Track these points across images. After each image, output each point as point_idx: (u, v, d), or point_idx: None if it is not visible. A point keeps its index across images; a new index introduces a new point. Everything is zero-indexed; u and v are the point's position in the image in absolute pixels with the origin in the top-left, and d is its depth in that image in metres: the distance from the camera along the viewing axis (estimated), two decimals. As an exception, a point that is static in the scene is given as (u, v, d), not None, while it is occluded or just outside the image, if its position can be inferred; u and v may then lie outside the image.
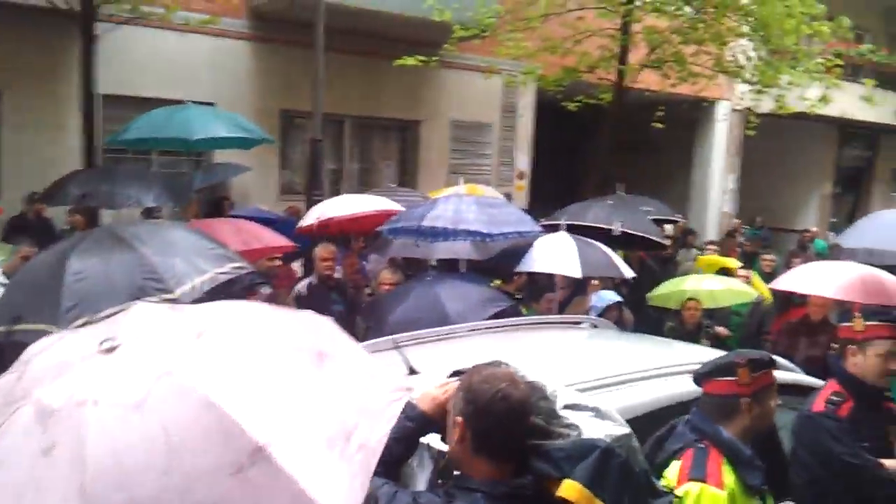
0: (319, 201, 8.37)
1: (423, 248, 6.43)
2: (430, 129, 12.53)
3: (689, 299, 7.04)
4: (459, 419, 2.11)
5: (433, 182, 11.81)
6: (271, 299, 4.88)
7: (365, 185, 11.83)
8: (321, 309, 5.36)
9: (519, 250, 6.26)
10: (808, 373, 4.34)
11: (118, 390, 1.47)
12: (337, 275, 6.73)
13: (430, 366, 3.48)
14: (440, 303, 4.99)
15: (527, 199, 13.51)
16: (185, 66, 9.90)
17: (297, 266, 8.06)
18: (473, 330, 4.24)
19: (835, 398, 3.32)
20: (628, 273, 6.37)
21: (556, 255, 6.08)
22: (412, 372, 3.35)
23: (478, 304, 5.07)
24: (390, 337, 3.81)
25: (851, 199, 21.02)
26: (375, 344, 3.93)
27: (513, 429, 2.12)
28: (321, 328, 1.82)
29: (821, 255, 12.49)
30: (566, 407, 2.25)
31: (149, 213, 8.10)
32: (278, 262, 6.91)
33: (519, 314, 5.75)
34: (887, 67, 18.12)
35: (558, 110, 11.37)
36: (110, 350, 1.57)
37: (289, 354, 1.64)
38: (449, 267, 6.67)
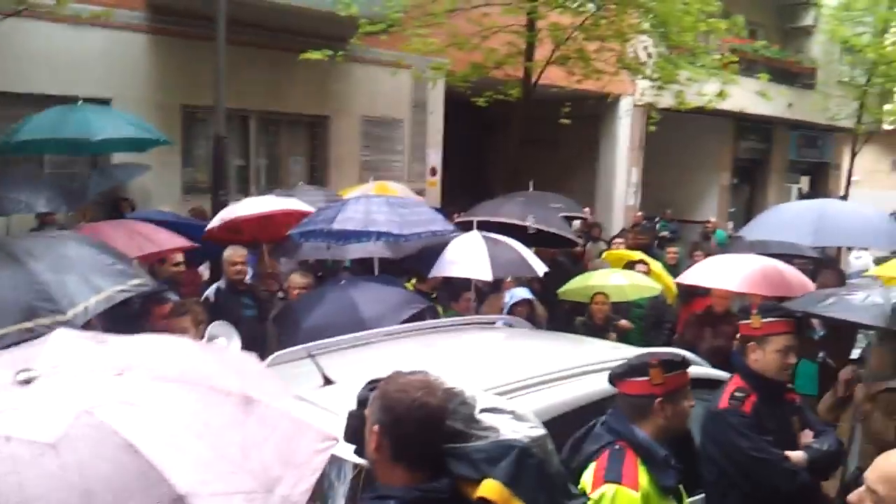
0: (225, 200, 8.14)
1: (335, 250, 6.33)
2: (339, 124, 12.33)
3: (597, 294, 7.17)
4: (376, 428, 2.10)
5: (345, 179, 11.64)
6: (179, 309, 4.66)
7: (273, 181, 11.56)
8: (231, 315, 5.23)
9: (432, 251, 6.25)
10: (713, 363, 4.48)
11: (33, 427, 1.38)
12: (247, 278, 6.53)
13: (346, 374, 3.42)
14: (355, 307, 4.89)
15: (439, 195, 13.51)
16: (79, 60, 9.38)
17: (203, 269, 7.79)
18: (390, 335, 4.19)
19: (738, 394, 3.40)
20: (541, 270, 6.44)
21: (467, 257, 6.08)
22: (327, 382, 3.28)
23: (394, 308, 5.00)
24: (303, 346, 3.72)
25: (748, 190, 21.93)
26: (289, 353, 3.84)
27: (430, 436, 2.13)
28: (248, 369, 1.79)
29: (721, 246, 12.99)
30: (484, 410, 2.27)
31: (43, 219, 7.65)
32: (182, 268, 6.64)
33: (436, 315, 5.73)
34: (780, 62, 19.02)
35: (467, 106, 11.40)
36: (27, 382, 1.49)
37: (215, 399, 1.58)
38: (363, 269, 6.58)
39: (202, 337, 4.38)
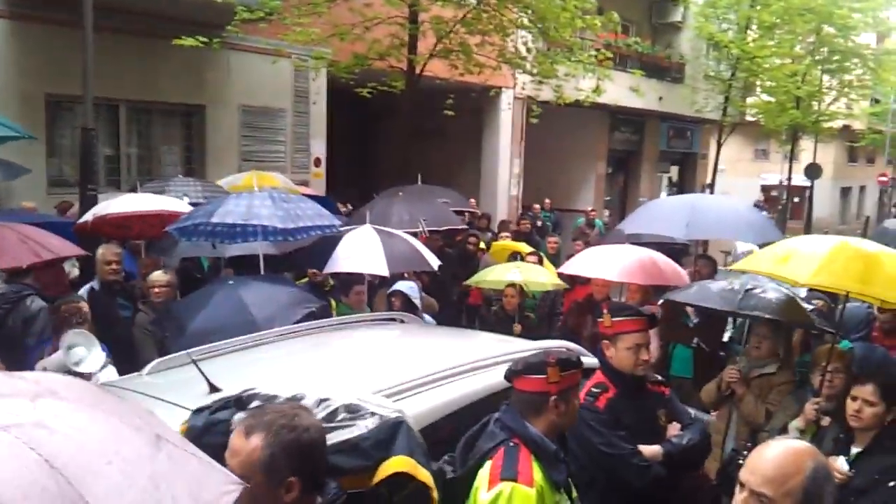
0: (95, 195, 7.73)
1: (220, 249, 6.11)
2: (217, 114, 11.91)
3: (509, 286, 7.26)
4: (294, 479, 2.04)
5: (223, 169, 11.25)
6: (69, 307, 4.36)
7: (145, 172, 11.07)
8: (106, 316, 4.97)
9: (325, 245, 6.13)
10: (594, 349, 4.60)
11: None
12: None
13: (234, 380, 3.30)
14: (245, 308, 4.71)
15: (324, 186, 13.30)
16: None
17: (70, 268, 7.33)
18: (279, 335, 4.07)
19: (595, 390, 3.47)
20: (435, 264, 6.45)
21: (362, 252, 6.01)
22: (213, 389, 3.14)
23: (286, 307, 4.85)
24: (186, 351, 3.55)
25: (622, 179, 22.84)
26: (171, 359, 3.66)
27: (325, 453, 2.16)
28: (148, 412, 1.77)
29: (598, 235, 13.46)
30: (346, 409, 2.43)
31: None
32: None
33: (329, 312, 5.63)
34: (650, 57, 19.84)
35: (352, 96, 11.28)
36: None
37: (126, 432, 1.56)
38: (248, 267, 6.37)
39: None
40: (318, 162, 13.32)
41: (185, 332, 4.58)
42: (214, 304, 4.84)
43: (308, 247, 6.35)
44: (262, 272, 5.91)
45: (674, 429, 3.45)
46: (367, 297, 6.44)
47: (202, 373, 3.14)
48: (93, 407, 1.60)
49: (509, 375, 2.89)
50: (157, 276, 5.81)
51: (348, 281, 6.37)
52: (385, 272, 6.03)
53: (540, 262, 8.40)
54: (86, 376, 3.89)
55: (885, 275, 3.86)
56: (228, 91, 11.89)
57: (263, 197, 5.68)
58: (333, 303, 6.36)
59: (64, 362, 3.91)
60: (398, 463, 2.23)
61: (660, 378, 3.70)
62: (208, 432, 2.43)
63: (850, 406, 3.51)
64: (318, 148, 13.36)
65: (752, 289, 4.44)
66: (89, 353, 4.04)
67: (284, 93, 12.68)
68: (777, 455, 2.01)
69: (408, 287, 6.42)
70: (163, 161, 11.57)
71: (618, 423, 3.40)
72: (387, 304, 6.34)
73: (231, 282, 5.28)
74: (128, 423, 1.59)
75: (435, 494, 2.39)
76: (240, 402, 2.54)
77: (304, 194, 7.32)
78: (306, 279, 6.93)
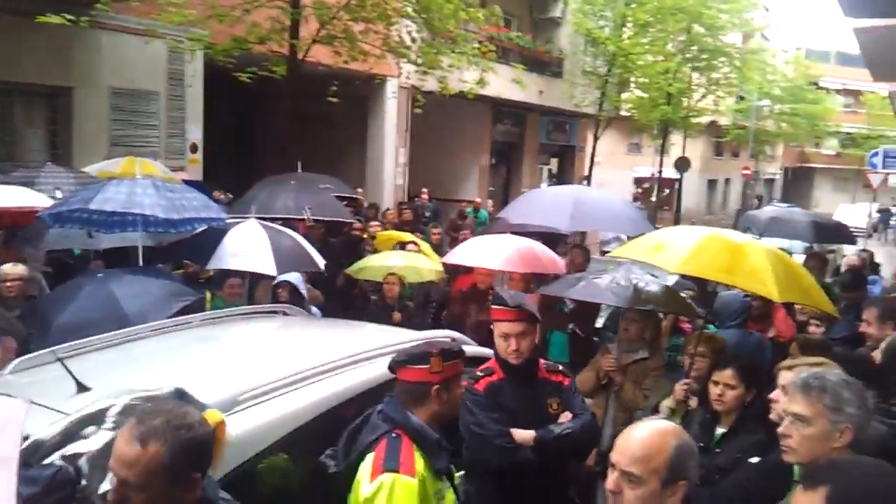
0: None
1: (95, 239, 5.79)
2: (84, 96, 11.24)
3: (390, 274, 7.24)
4: (197, 475, 2.06)
5: (92, 155, 10.65)
6: None
7: (8, 157, 10.34)
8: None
9: (207, 239, 5.92)
10: (478, 338, 4.67)
11: None
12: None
13: (104, 379, 3.15)
14: (116, 302, 4.51)
15: (201, 172, 12.83)
16: None
17: None
18: (154, 330, 3.91)
19: (479, 373, 3.57)
20: (322, 263, 6.36)
21: (249, 250, 5.85)
22: (82, 389, 2.99)
23: (160, 301, 4.68)
24: (51, 349, 3.36)
25: (505, 170, 23.26)
26: (35, 357, 3.46)
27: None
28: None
29: (482, 224, 13.67)
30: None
31: None
32: None
33: (204, 306, 5.45)
34: (531, 52, 20.26)
35: (230, 80, 10.93)
36: None
37: None
38: (122, 259, 6.08)
39: None
40: (194, 147, 12.83)
41: (50, 328, 4.32)
42: (83, 298, 4.60)
43: (189, 239, 6.13)
44: (140, 264, 5.65)
45: (564, 418, 3.50)
46: (248, 288, 6.27)
47: (69, 371, 2.98)
48: None
49: (393, 366, 2.92)
50: (8, 268, 5.43)
51: (223, 273, 6.19)
52: (273, 272, 5.90)
53: (419, 251, 8.45)
54: None
55: (748, 266, 4.10)
56: (98, 72, 11.26)
57: (146, 185, 5.43)
58: (209, 295, 6.17)
59: None
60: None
61: (560, 368, 3.77)
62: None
63: (713, 390, 3.73)
64: (195, 133, 12.86)
65: (637, 283, 4.62)
66: None
67: (158, 75, 12.12)
68: (643, 436, 2.13)
69: (295, 278, 6.32)
70: (27, 146, 10.85)
71: (496, 406, 3.48)
72: (272, 295, 6.21)
73: (101, 275, 5.02)
74: None
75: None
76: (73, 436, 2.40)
77: (183, 180, 7.03)
78: (180, 270, 6.69)
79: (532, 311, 3.55)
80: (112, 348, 3.66)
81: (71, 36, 9.85)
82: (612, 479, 2.13)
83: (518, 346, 3.49)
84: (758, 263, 4.06)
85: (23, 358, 3.51)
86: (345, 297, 8.28)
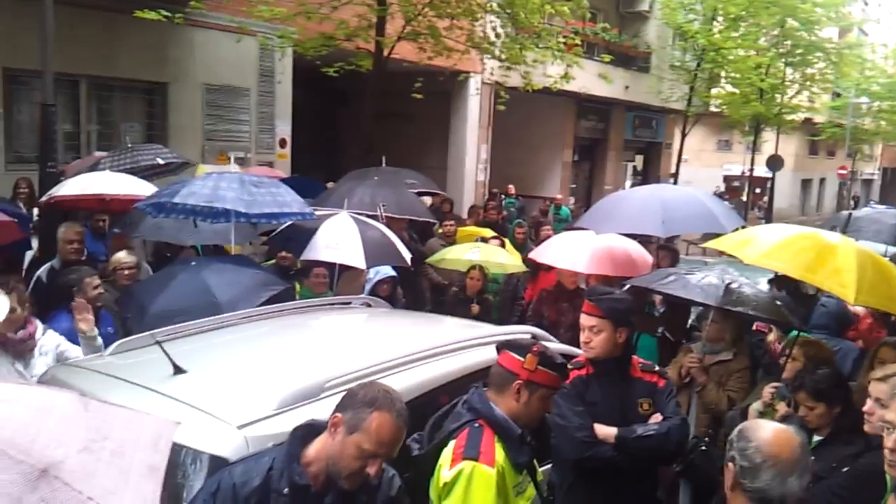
0: (54, 172, 7.55)
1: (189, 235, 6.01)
2: (179, 91, 11.67)
3: (472, 268, 7.23)
4: None
5: (186, 148, 11.01)
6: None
7: (106, 150, 10.81)
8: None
9: (301, 231, 6.05)
10: (574, 335, 4.59)
11: None
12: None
13: (198, 362, 3.27)
14: (208, 290, 4.63)
15: (289, 167, 13.14)
16: None
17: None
18: (243, 318, 4.03)
19: (569, 366, 3.49)
20: (408, 257, 6.40)
21: (342, 242, 5.93)
22: (178, 371, 3.11)
23: (250, 290, 4.77)
24: (150, 332, 3.51)
25: (588, 167, 22.96)
26: (134, 340, 3.62)
27: None
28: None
29: (564, 221, 13.52)
30: None
31: None
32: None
33: (293, 296, 5.56)
34: (617, 46, 19.92)
35: (319, 77, 11.14)
36: None
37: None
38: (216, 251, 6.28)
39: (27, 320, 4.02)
40: (283, 143, 13.15)
41: (146, 313, 4.50)
42: (176, 286, 4.75)
43: (284, 231, 6.27)
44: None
45: (654, 419, 3.45)
46: (332, 279, 6.37)
47: (167, 354, 3.10)
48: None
49: (498, 346, 2.94)
50: (123, 256, 5.64)
51: (310, 264, 6.31)
52: (363, 265, 5.98)
53: (502, 245, 8.40)
54: None
55: (832, 265, 3.97)
56: (192, 69, 11.66)
57: (232, 179, 5.52)
58: (298, 286, 6.30)
59: None
60: None
61: (656, 368, 3.70)
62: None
63: (801, 410, 3.62)
64: (283, 128, 13.18)
65: (730, 283, 4.49)
66: None
67: (249, 72, 12.47)
68: None
69: (389, 271, 6.39)
70: (124, 139, 11.34)
71: (580, 399, 3.45)
72: (372, 290, 6.30)
73: (194, 263, 5.19)
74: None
75: None
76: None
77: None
78: (273, 261, 6.85)
79: (612, 309, 3.47)
80: (205, 334, 3.78)
81: (166, 33, 10.22)
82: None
83: (589, 340, 3.46)
84: (844, 264, 3.94)
85: (122, 340, 3.68)
86: (422, 289, 8.31)
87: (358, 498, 2.40)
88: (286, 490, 2.32)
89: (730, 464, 2.15)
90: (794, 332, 4.45)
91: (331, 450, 2.33)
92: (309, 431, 2.42)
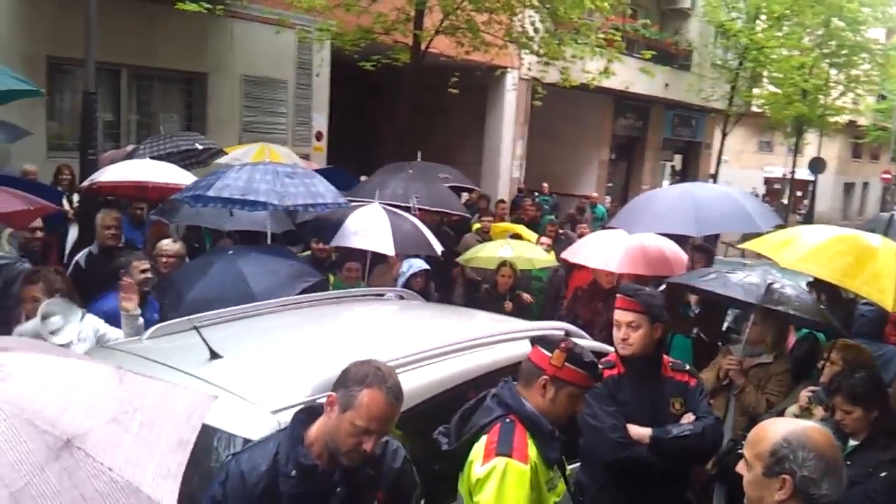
0: (94, 159, 7.68)
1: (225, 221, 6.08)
2: (218, 82, 11.81)
3: (503, 265, 7.20)
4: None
5: (225, 139, 11.13)
6: (30, 277, 4.26)
7: (145, 139, 10.96)
8: (102, 282, 4.92)
9: (332, 219, 6.08)
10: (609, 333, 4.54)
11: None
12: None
13: (233, 348, 3.29)
14: (244, 280, 4.67)
15: (325, 159, 13.21)
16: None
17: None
18: (277, 306, 4.06)
19: (600, 366, 3.48)
20: (439, 249, 6.41)
21: (370, 229, 5.97)
22: (214, 356, 3.14)
23: (285, 280, 4.81)
24: (188, 318, 3.55)
25: (625, 166, 22.71)
26: (172, 325, 3.66)
27: None
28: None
29: (600, 220, 13.40)
30: None
31: None
32: (39, 234, 6.20)
33: (327, 286, 5.58)
34: (658, 43, 19.67)
35: (355, 70, 11.17)
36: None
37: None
38: (252, 238, 6.33)
39: None
40: (319, 136, 13.23)
41: (183, 300, 4.55)
42: (213, 274, 4.80)
43: (314, 219, 6.34)
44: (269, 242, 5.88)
45: (686, 419, 3.41)
46: (365, 272, 6.40)
47: (203, 339, 3.13)
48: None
49: (531, 340, 2.93)
50: (167, 244, 5.70)
51: (343, 257, 6.33)
52: (391, 252, 6.02)
53: (549, 246, 8.36)
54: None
55: (871, 270, 3.89)
56: (231, 60, 11.78)
57: (266, 171, 5.53)
58: (332, 278, 6.34)
59: (38, 331, 3.85)
60: None
61: (687, 367, 3.65)
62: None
63: (837, 414, 3.55)
64: (320, 121, 13.26)
65: (772, 283, 4.41)
66: (66, 322, 3.98)
67: (287, 64, 12.56)
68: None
69: (421, 264, 6.42)
70: (163, 129, 11.49)
71: (612, 399, 3.41)
72: (406, 283, 6.31)
73: (230, 252, 5.23)
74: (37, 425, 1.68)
75: None
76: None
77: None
78: (308, 252, 6.89)
79: (650, 304, 3.42)
80: (241, 321, 3.82)
81: (206, 24, 10.33)
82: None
83: (626, 336, 3.41)
84: (884, 269, 3.87)
85: (160, 325, 3.72)
86: (453, 285, 8.31)
87: (364, 471, 2.46)
88: (293, 472, 2.38)
89: (786, 476, 2.10)
90: (835, 338, 4.36)
91: (328, 428, 2.40)
92: (310, 414, 2.49)
